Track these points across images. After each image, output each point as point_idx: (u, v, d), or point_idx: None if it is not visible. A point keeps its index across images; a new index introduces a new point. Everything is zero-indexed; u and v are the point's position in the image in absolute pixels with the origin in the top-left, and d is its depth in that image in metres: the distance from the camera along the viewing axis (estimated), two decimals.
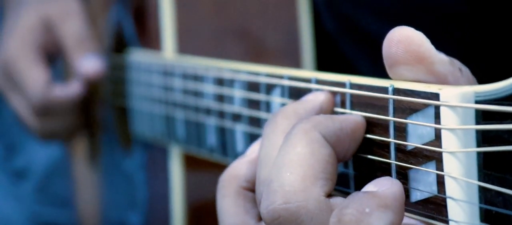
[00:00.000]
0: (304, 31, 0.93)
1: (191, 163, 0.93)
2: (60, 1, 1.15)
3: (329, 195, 0.55)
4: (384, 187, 0.54)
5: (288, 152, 0.55)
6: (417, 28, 0.54)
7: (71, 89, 1.14)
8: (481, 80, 0.54)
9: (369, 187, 0.54)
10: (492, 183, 0.49)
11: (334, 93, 0.62)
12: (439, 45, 0.55)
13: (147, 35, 1.02)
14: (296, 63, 0.93)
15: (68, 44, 1.13)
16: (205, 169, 0.93)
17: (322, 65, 0.94)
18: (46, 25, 1.14)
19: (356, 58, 0.92)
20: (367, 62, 0.90)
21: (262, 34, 0.93)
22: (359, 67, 0.92)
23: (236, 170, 0.63)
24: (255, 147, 0.64)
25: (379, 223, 0.51)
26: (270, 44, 0.93)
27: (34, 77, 1.12)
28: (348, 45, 0.93)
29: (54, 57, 1.18)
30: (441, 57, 0.54)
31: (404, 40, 0.53)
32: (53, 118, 1.16)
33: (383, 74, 0.57)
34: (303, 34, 0.93)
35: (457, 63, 0.54)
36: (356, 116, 0.58)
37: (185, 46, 0.93)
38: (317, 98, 0.62)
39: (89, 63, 1.11)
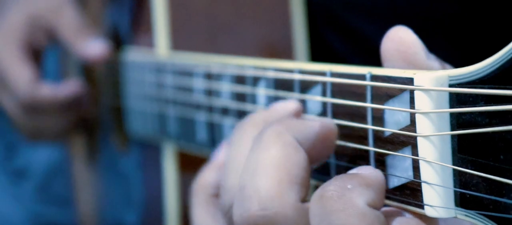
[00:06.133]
0: (298, 27, 0.93)
1: (185, 161, 0.93)
2: None
3: (304, 201, 0.54)
4: (367, 172, 0.53)
5: (261, 154, 0.53)
6: (407, 26, 0.55)
7: (61, 90, 1.14)
8: None
9: (352, 171, 0.54)
10: (466, 167, 0.49)
11: (301, 105, 0.61)
12: (426, 43, 0.55)
13: (142, 33, 1.02)
14: (289, 59, 0.93)
15: (67, 34, 1.11)
16: (199, 167, 0.93)
17: (315, 61, 0.93)
18: (34, 22, 1.13)
19: (348, 56, 0.92)
20: (359, 60, 0.90)
21: (256, 30, 0.93)
22: (351, 63, 0.91)
23: (205, 178, 0.62)
24: (220, 152, 0.63)
25: (360, 198, 0.50)
26: (263, 40, 0.93)
27: (21, 74, 1.12)
28: (341, 42, 0.93)
29: (40, 55, 1.17)
30: (432, 64, 0.54)
31: (396, 40, 0.54)
32: (41, 117, 1.15)
33: None
34: (297, 30, 0.93)
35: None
36: (329, 122, 0.57)
37: (179, 43, 0.93)
38: (287, 106, 0.61)
39: (93, 47, 1.09)
